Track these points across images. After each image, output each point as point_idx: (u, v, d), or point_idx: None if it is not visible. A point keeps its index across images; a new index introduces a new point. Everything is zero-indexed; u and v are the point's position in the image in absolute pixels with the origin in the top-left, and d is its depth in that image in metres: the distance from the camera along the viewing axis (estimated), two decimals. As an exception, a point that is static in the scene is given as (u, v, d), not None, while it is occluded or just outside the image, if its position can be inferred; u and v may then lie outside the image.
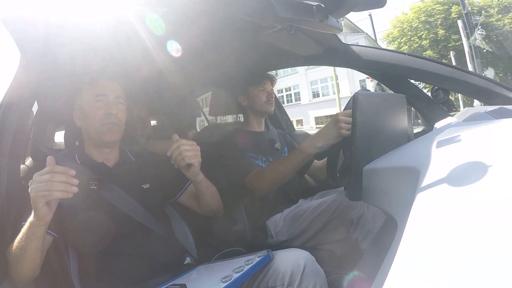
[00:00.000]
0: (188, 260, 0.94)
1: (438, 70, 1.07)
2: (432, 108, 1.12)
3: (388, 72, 1.14)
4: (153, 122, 2.21)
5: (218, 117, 2.45)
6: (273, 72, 1.51)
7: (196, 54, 1.19)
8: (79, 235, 0.82)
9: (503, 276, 0.27)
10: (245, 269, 0.72)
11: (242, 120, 1.51)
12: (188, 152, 0.82)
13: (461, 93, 1.11)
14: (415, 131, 1.22)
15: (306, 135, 1.90)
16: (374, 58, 1.13)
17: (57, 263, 0.85)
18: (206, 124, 2.48)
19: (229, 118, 2.32)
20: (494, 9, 13.43)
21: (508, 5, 13.13)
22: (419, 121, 1.30)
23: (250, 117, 1.41)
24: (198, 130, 2.28)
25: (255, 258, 0.77)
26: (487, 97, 1.04)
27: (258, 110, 1.38)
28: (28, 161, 1.69)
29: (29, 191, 0.65)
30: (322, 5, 0.76)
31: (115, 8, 0.77)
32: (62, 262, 0.85)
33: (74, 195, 0.81)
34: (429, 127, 1.14)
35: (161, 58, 1.05)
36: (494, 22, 13.22)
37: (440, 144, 0.59)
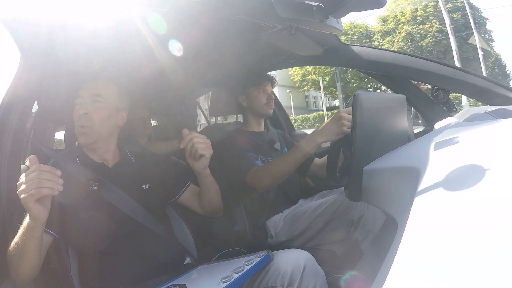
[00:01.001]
0: (188, 260, 0.94)
1: (438, 70, 1.07)
2: (432, 108, 1.12)
3: (388, 72, 1.14)
4: (153, 123, 2.21)
5: (214, 117, 2.45)
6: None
7: (196, 54, 1.19)
8: (79, 235, 0.82)
9: (503, 276, 0.27)
10: (245, 269, 0.72)
11: (242, 121, 1.51)
12: (200, 144, 0.85)
13: (461, 93, 1.11)
14: (415, 131, 1.22)
15: (305, 135, 1.90)
16: (374, 58, 1.13)
17: (57, 263, 0.85)
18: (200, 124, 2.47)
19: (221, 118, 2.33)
20: (378, 34, 15.87)
21: (387, 30, 15.36)
22: (419, 121, 1.30)
23: (250, 117, 1.41)
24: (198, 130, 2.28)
25: (255, 258, 0.77)
26: (488, 97, 1.04)
27: (257, 111, 1.38)
28: (28, 161, 1.70)
29: (17, 193, 0.64)
30: (322, 5, 0.76)
31: (116, 8, 0.77)
32: (62, 262, 0.85)
33: (75, 195, 0.82)
34: (429, 127, 1.15)
35: (161, 58, 1.05)
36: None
37: (440, 144, 0.59)
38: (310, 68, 16.12)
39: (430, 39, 13.79)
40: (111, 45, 0.97)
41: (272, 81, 1.41)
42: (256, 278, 0.78)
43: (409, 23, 14.24)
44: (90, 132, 0.87)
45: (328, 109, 18.12)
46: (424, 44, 13.85)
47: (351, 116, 0.93)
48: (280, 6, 0.76)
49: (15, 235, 0.71)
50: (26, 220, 0.68)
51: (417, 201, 0.44)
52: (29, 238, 0.67)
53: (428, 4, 13.86)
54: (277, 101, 1.97)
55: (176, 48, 1.02)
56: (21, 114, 0.91)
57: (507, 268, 0.27)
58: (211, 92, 1.82)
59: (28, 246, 0.68)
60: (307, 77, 17.46)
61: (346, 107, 1.02)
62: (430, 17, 13.78)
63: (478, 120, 0.68)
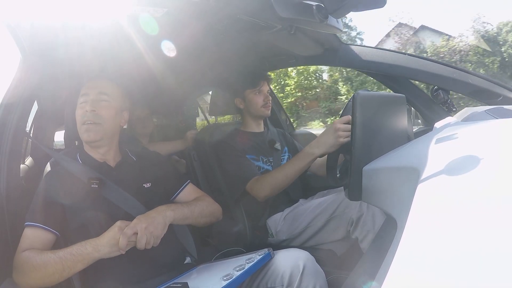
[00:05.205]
0: (188, 260, 0.94)
1: (438, 70, 1.07)
2: (432, 108, 1.12)
3: (388, 72, 1.14)
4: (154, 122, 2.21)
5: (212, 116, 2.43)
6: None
7: (196, 55, 1.19)
8: (80, 234, 0.82)
9: (504, 275, 0.27)
10: (246, 267, 0.72)
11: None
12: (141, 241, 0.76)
13: (461, 93, 1.11)
14: (415, 131, 1.22)
15: (307, 134, 1.90)
16: (374, 58, 1.13)
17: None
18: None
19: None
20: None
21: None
22: (419, 121, 1.31)
23: (248, 119, 1.41)
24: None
25: (256, 257, 0.77)
26: (487, 97, 1.04)
27: (255, 114, 1.37)
28: (28, 161, 1.70)
29: (140, 240, 0.74)
30: (322, 5, 0.76)
31: (115, 9, 0.77)
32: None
33: (76, 194, 0.82)
34: (428, 127, 1.15)
35: (161, 58, 1.05)
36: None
37: (440, 144, 0.60)
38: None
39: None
40: (111, 46, 0.97)
41: (268, 79, 1.40)
42: (255, 279, 0.78)
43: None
44: (98, 129, 0.87)
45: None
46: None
47: (347, 126, 0.94)
48: (280, 6, 0.76)
49: (15, 235, 0.71)
50: (89, 248, 0.73)
51: (417, 201, 0.44)
52: (84, 263, 0.73)
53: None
54: (276, 100, 1.97)
55: (175, 48, 1.03)
56: (21, 114, 0.91)
57: (507, 267, 0.27)
58: (211, 92, 1.82)
59: (79, 267, 0.74)
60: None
61: (343, 111, 1.02)
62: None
63: (477, 120, 0.68)
